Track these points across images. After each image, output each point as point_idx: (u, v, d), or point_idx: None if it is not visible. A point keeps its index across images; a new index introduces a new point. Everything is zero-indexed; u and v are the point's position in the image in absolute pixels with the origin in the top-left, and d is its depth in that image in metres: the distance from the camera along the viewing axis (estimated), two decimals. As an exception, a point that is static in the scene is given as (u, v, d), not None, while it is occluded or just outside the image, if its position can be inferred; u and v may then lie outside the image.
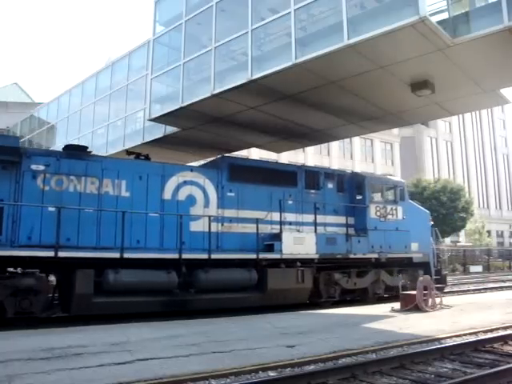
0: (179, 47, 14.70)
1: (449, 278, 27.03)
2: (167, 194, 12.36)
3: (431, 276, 14.71)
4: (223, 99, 13.39)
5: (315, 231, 13.68)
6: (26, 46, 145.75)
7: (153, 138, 17.66)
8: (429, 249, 16.03)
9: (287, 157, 45.69)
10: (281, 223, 13.21)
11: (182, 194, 12.59)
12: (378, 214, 14.97)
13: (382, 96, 13.51)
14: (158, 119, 15.76)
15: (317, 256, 13.39)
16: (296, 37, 11.38)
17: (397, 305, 12.10)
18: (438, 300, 12.17)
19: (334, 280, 14.02)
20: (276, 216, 13.34)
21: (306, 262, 13.26)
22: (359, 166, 54.37)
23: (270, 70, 11.82)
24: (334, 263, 14.00)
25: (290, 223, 13.74)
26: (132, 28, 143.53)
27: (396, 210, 15.45)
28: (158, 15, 16.03)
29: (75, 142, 23.28)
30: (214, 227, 12.55)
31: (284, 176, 14.34)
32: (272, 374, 5.82)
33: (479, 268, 37.12)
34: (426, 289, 12.06)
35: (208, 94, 13.36)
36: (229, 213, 13.01)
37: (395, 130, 55.00)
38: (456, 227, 48.64)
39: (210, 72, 13.39)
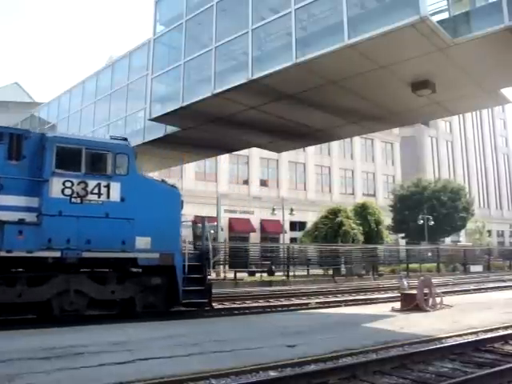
0: (180, 47, 14.74)
1: (449, 278, 27.09)
2: None
3: (177, 287, 10.63)
4: (223, 99, 13.42)
5: None
6: (26, 46, 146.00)
7: (153, 138, 17.70)
8: (175, 247, 10.90)
9: (287, 156, 45.79)
10: None
11: None
12: (69, 191, 9.92)
13: (383, 96, 13.53)
14: (158, 119, 15.80)
15: None
16: (296, 36, 11.41)
17: (397, 304, 12.10)
18: (438, 300, 12.18)
19: None
20: None
21: None
22: (360, 166, 54.46)
23: (271, 70, 11.85)
24: None
25: None
26: (133, 27, 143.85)
27: (108, 187, 10.28)
28: (158, 15, 16.08)
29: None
30: None
31: None
32: (272, 373, 5.81)
33: (479, 268, 37.08)
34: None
35: (208, 94, 13.39)
36: None
37: (396, 130, 55.05)
38: (456, 227, 48.72)
39: (211, 72, 13.43)
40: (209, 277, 11.53)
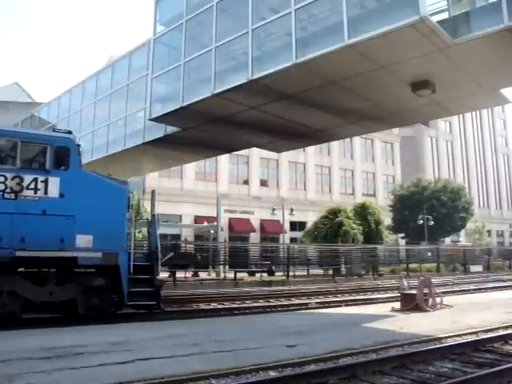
0: (180, 47, 14.74)
1: (449, 278, 27.10)
2: None
3: (121, 288, 10.01)
4: (223, 99, 13.42)
5: None
6: (26, 46, 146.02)
7: (153, 138, 17.70)
8: (120, 246, 10.22)
9: (287, 156, 45.80)
10: None
11: None
12: (2, 187, 9.34)
13: (383, 96, 13.54)
14: (158, 119, 15.80)
15: None
16: (296, 36, 11.40)
17: (397, 304, 12.10)
18: (438, 300, 12.18)
19: None
20: None
21: None
22: (360, 166, 54.48)
23: (271, 70, 11.85)
24: None
25: None
26: (133, 27, 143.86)
27: (46, 182, 9.60)
28: (158, 15, 16.08)
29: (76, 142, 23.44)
30: None
31: None
32: (272, 373, 5.81)
33: (479, 268, 37.06)
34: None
35: (208, 94, 13.39)
36: None
37: (395, 130, 55.09)
38: (456, 227, 48.73)
39: (211, 72, 13.43)
40: (158, 277, 10.91)
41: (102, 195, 10.21)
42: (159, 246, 10.89)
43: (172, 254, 12.08)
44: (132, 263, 10.31)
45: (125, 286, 10.03)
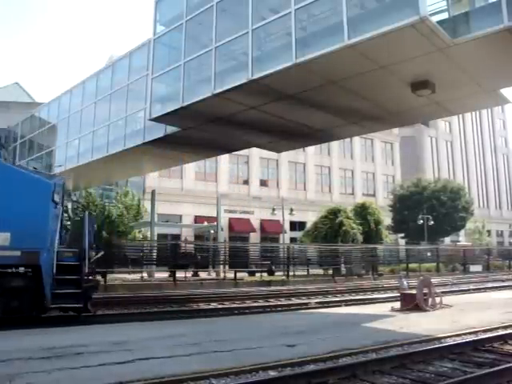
0: (180, 47, 14.72)
1: (448, 278, 27.07)
2: None
3: (43, 290, 9.16)
4: (224, 99, 13.41)
5: None
6: (27, 46, 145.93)
7: (153, 138, 17.69)
8: (42, 244, 9.29)
9: (287, 156, 45.81)
10: None
11: None
12: None
13: (383, 96, 13.53)
14: (158, 119, 15.78)
15: None
16: (296, 37, 11.39)
17: (397, 304, 12.11)
18: (437, 299, 12.19)
19: None
20: None
21: None
22: (360, 166, 54.49)
23: (271, 70, 11.84)
24: None
25: None
26: (133, 27, 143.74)
27: None
28: (158, 15, 16.06)
29: (76, 142, 23.45)
30: None
31: None
32: (272, 373, 5.82)
33: (479, 268, 37.07)
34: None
35: (208, 94, 13.38)
36: None
37: (395, 130, 55.07)
38: (456, 227, 48.73)
39: (211, 72, 13.42)
40: (93, 277, 10.20)
41: (21, 190, 9.36)
42: (87, 244, 10.01)
43: (102, 252, 11.36)
44: (55, 262, 9.41)
45: (47, 287, 9.21)
